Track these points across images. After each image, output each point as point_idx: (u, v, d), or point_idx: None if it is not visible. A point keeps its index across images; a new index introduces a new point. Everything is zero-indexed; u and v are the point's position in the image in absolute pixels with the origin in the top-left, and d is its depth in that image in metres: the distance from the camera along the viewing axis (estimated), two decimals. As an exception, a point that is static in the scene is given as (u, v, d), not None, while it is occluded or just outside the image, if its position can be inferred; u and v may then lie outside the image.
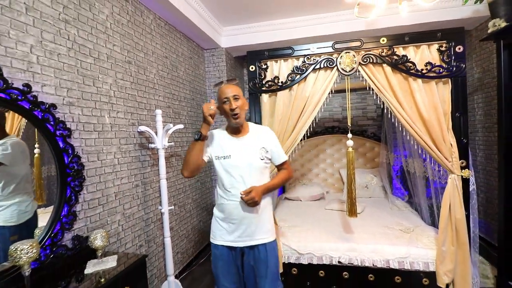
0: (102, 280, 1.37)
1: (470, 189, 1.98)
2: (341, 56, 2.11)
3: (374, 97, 3.93)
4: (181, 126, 2.21)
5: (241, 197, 1.35)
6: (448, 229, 1.98)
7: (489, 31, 2.03)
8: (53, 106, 1.50)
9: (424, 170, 2.75)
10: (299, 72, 2.19)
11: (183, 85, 2.97)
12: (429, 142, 2.01)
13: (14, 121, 1.42)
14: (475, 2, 2.21)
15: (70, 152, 1.60)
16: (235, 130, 1.50)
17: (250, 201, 1.34)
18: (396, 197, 3.24)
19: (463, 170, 1.96)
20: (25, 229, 1.40)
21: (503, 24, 1.94)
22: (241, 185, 1.40)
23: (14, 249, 1.14)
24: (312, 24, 3.13)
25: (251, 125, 1.56)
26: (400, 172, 3.54)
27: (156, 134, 2.15)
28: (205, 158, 1.48)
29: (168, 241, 2.20)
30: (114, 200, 1.96)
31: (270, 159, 1.52)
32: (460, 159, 1.97)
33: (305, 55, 2.19)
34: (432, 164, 2.52)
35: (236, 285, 1.49)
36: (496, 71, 2.05)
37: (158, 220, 2.44)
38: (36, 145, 1.50)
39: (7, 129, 1.37)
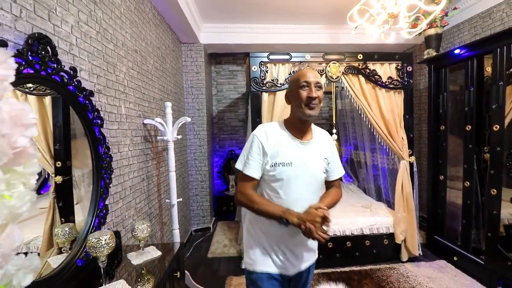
0: (155, 269, 1.40)
1: (414, 170, 2.73)
2: (329, 66, 2.56)
3: (328, 100, 4.64)
4: (188, 119, 2.24)
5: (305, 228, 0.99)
6: (401, 200, 2.68)
7: (424, 57, 2.83)
8: (91, 93, 1.41)
9: (373, 160, 3.52)
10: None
11: (170, 77, 2.91)
12: (388, 136, 2.67)
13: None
14: (418, 34, 3.00)
15: (103, 142, 1.52)
16: (301, 129, 1.17)
17: (312, 236, 0.99)
18: (349, 183, 3.98)
19: (410, 157, 2.69)
20: None
21: (434, 53, 2.74)
22: (299, 202, 1.10)
23: (96, 240, 1.10)
24: (288, 33, 3.51)
25: (313, 127, 1.24)
26: (347, 162, 4.33)
27: (167, 126, 2.14)
28: (258, 175, 1.13)
29: (176, 233, 2.21)
30: (129, 194, 1.88)
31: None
32: (408, 149, 2.69)
33: (300, 62, 2.55)
34: (382, 154, 3.27)
35: None
36: (428, 85, 2.87)
37: (157, 215, 2.38)
38: None
39: None
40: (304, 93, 1.10)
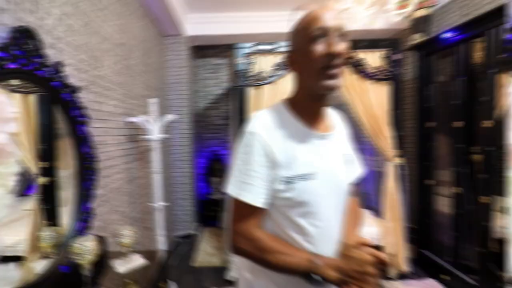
0: (140, 277, 1.32)
1: (402, 173, 2.71)
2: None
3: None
4: (174, 117, 2.16)
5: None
6: (388, 208, 2.58)
7: (412, 42, 2.79)
8: (76, 89, 1.31)
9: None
10: (280, 67, 2.40)
11: (153, 73, 2.79)
12: (374, 134, 2.58)
13: None
14: (407, 17, 2.71)
15: (87, 141, 1.42)
16: (316, 114, 0.75)
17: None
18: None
19: (398, 158, 2.66)
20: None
21: (423, 38, 2.69)
22: (330, 234, 0.73)
23: (79, 246, 1.01)
24: (274, 21, 3.27)
25: None
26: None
27: (151, 125, 2.04)
28: (266, 202, 0.69)
29: (161, 239, 2.12)
30: (114, 197, 1.77)
31: None
32: (396, 149, 2.65)
33: (285, 52, 2.50)
34: (367, 155, 3.28)
35: None
36: (418, 74, 2.77)
37: (142, 220, 2.27)
38: None
39: None
40: (319, 49, 0.64)
